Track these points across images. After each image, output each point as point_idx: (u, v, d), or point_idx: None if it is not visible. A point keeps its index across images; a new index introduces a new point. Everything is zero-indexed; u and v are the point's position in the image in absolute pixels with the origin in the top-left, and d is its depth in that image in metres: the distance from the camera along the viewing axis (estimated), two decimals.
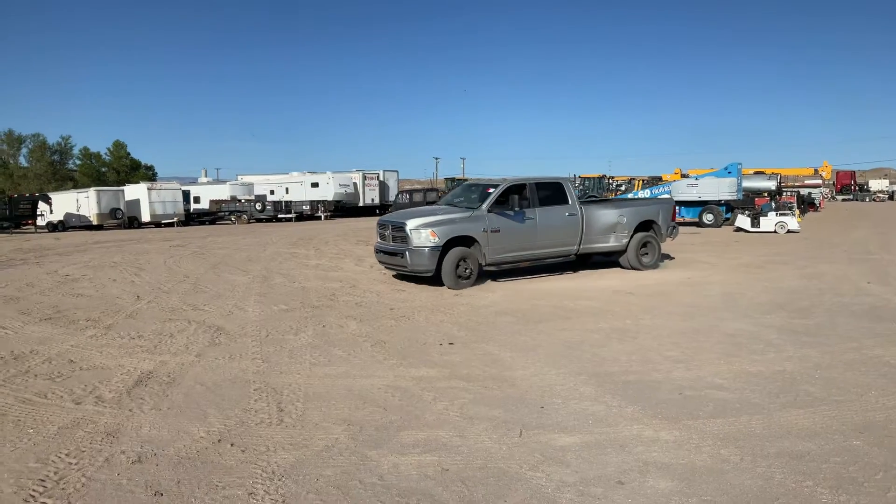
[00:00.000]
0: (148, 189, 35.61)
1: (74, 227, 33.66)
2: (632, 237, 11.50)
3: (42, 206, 34.70)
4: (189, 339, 6.45)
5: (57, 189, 43.20)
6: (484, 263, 10.19)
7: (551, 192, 11.03)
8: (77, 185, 49.05)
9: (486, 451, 3.57)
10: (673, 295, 8.78)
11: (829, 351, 5.71)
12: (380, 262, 11.12)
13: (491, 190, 10.59)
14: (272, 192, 44.23)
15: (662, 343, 6.03)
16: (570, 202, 11.06)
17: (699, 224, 23.44)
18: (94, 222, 33.60)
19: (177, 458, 3.56)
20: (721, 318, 7.13)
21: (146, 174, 59.25)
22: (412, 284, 10.15)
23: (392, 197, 42.96)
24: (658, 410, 4.19)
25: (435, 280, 9.75)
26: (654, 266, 11.65)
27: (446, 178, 49.12)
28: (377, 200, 47.33)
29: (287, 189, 44.75)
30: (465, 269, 9.87)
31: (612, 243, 11.42)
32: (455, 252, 9.82)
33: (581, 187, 39.40)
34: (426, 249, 9.74)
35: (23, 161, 54.18)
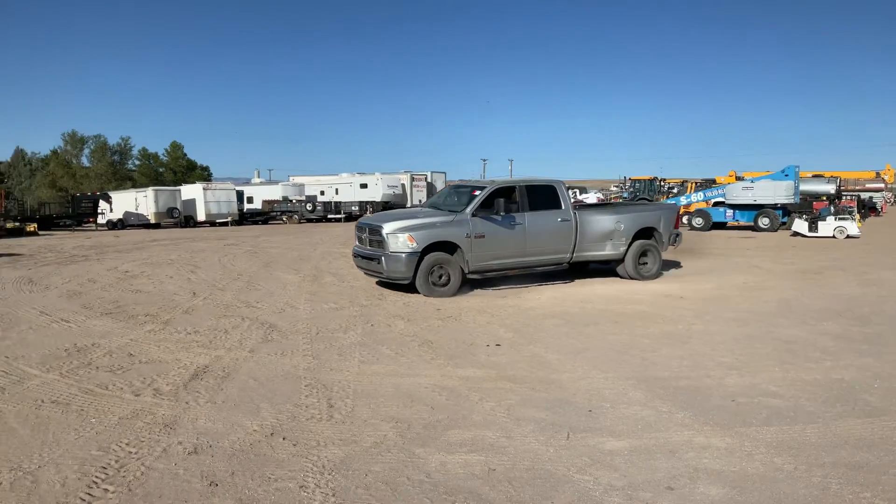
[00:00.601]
0: (203, 189, 36.69)
1: (133, 226, 34.91)
2: (630, 245, 10.72)
3: (103, 204, 36.09)
4: (243, 336, 6.63)
5: (116, 188, 44.83)
6: (467, 271, 9.63)
7: (543, 196, 10.38)
8: (136, 184, 50.81)
9: (532, 453, 3.57)
10: (727, 300, 8.59)
11: (890, 360, 5.51)
12: (357, 266, 10.51)
13: (477, 192, 9.99)
14: (322, 193, 44.92)
15: (715, 349, 5.91)
16: (563, 206, 10.35)
17: (754, 228, 22.79)
18: (152, 221, 34.80)
19: (231, 451, 3.68)
20: (776, 325, 6.94)
21: (202, 174, 60.93)
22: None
23: None
24: (710, 417, 4.12)
25: (412, 287, 9.31)
26: (654, 276, 10.82)
27: (493, 180, 49.02)
28: (424, 201, 47.55)
29: (337, 190, 45.39)
30: (440, 275, 9.35)
31: (608, 251, 10.65)
32: (430, 258, 9.32)
33: (631, 189, 38.78)
34: (403, 255, 9.23)
35: (85, 161, 56.36)
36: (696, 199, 25.91)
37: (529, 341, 6.29)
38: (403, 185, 46.12)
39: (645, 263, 10.86)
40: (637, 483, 3.18)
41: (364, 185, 44.78)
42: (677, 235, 11.50)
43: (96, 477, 3.33)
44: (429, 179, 48.63)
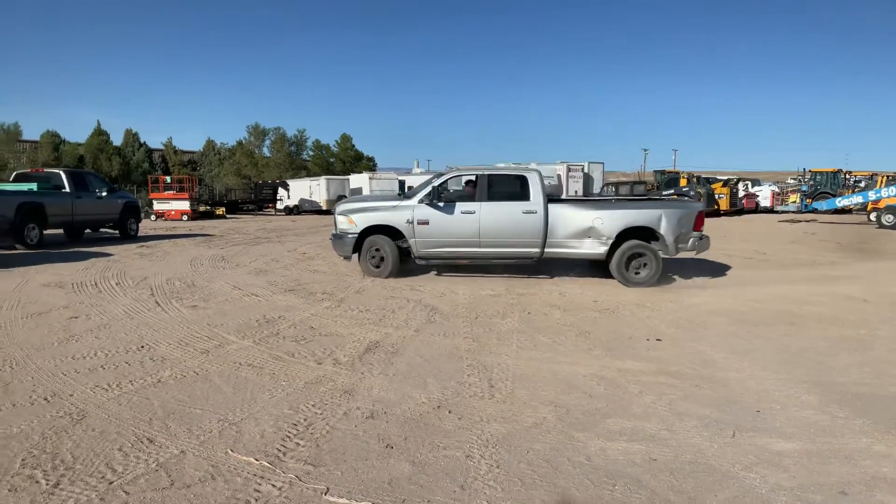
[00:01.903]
0: (369, 178, 38.87)
1: (307, 212, 37.82)
2: (614, 245, 9.55)
3: (281, 191, 39.38)
4: (408, 316, 7.06)
5: (293, 177, 48.47)
6: (414, 256, 9.92)
7: (508, 187, 9.93)
8: (309, 173, 54.68)
9: (695, 447, 3.54)
10: None
11: None
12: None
13: (436, 180, 10.04)
14: None
15: None
16: (531, 198, 9.74)
17: None
18: (324, 207, 37.47)
19: (403, 418, 3.99)
20: None
21: (367, 165, 64.22)
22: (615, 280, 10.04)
23: (596, 189, 42.25)
24: (893, 426, 3.82)
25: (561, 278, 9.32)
26: (648, 283, 9.38)
27: (655, 171, 47.08)
28: (580, 193, 46.79)
29: None
30: (373, 256, 9.94)
31: (584, 250, 9.66)
32: (369, 240, 9.94)
33: (811, 182, 35.60)
34: (346, 236, 9.99)
35: (266, 151, 61.41)
36: (888, 193, 23.27)
37: (693, 338, 6.11)
38: (559, 176, 45.63)
39: (637, 268, 9.51)
40: (807, 485, 3.06)
41: None
42: (700, 238, 9.65)
43: (288, 432, 3.77)
44: (585, 170, 47.73)
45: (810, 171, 37.48)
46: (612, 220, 9.57)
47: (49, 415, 4.02)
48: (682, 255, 9.67)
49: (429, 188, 9.96)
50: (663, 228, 9.46)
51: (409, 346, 5.75)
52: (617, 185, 31.61)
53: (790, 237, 18.89)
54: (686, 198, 27.81)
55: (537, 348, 5.76)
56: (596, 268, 10.38)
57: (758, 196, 38.31)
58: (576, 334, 6.28)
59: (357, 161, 63.69)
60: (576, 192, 46.31)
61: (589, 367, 5.16)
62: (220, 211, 34.51)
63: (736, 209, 33.95)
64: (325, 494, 2.99)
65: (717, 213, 31.45)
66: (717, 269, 11.20)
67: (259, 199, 40.10)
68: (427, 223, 9.86)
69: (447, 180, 10.15)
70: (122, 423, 3.89)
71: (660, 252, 9.46)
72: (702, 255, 12.95)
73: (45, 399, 4.31)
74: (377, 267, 10.03)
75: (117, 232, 18.11)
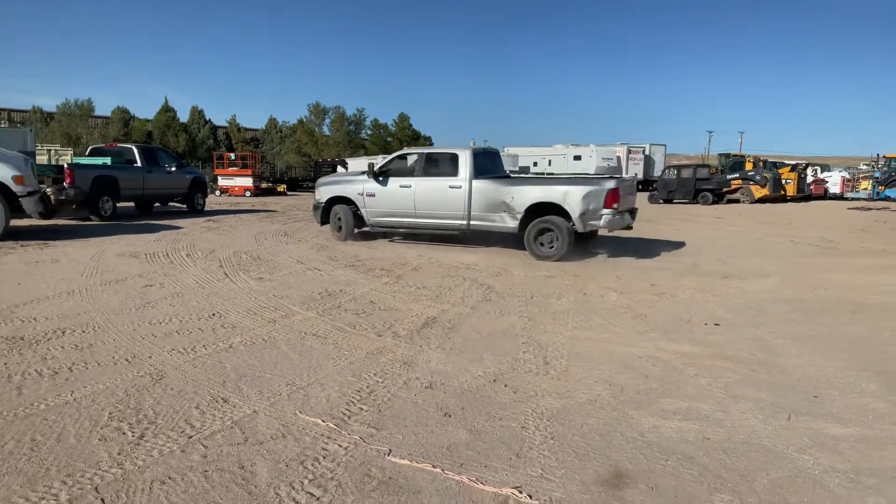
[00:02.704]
0: None
1: None
2: (524, 220, 10.21)
3: (340, 169, 39.90)
4: (464, 294, 7.20)
5: (351, 155, 49.11)
6: (366, 223, 11.88)
7: (443, 164, 10.99)
8: (367, 151, 55.26)
9: (749, 429, 3.57)
10: None
11: None
12: None
13: (385, 158, 12.16)
14: (535, 164, 45.28)
15: None
16: (458, 174, 10.72)
17: None
18: None
19: (460, 390, 4.14)
20: None
21: (425, 144, 64.39)
22: (678, 262, 9.94)
23: (657, 172, 41.41)
24: None
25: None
26: (554, 257, 9.90)
27: (720, 154, 45.75)
28: (641, 175, 45.94)
29: (550, 161, 45.45)
30: (337, 224, 12.01)
31: (500, 223, 10.54)
32: (334, 209, 12.04)
33: (885, 168, 33.97)
34: (319, 206, 12.27)
35: (325, 130, 62.25)
36: None
37: (752, 324, 6.05)
38: (619, 158, 44.90)
39: (543, 244, 10.11)
40: (862, 469, 3.07)
41: (578, 157, 44.33)
42: (613, 216, 9.87)
43: (352, 398, 3.97)
44: (647, 152, 46.80)
45: (884, 156, 35.73)
46: (521, 196, 10.33)
47: (131, 374, 4.33)
48: (601, 231, 10.66)
49: (378, 166, 11.77)
50: (568, 205, 9.92)
51: (465, 323, 5.90)
52: (679, 167, 30.89)
53: (859, 225, 18.18)
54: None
55: (592, 329, 5.82)
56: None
57: (827, 182, 36.80)
58: (631, 317, 6.29)
59: (415, 140, 63.92)
60: (635, 174, 45.49)
61: (645, 348, 5.20)
62: (282, 188, 35.35)
63: (803, 195, 32.75)
64: (388, 455, 3.16)
65: (783, 199, 30.43)
66: (778, 256, 10.94)
67: (319, 177, 40.82)
68: (374, 195, 11.59)
69: (393, 158, 11.88)
70: (197, 383, 4.16)
71: (571, 227, 9.97)
72: (761, 241, 12.66)
73: (127, 360, 4.64)
74: (339, 230, 12.02)
75: (185, 206, 18.84)
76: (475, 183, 10.66)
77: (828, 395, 4.14)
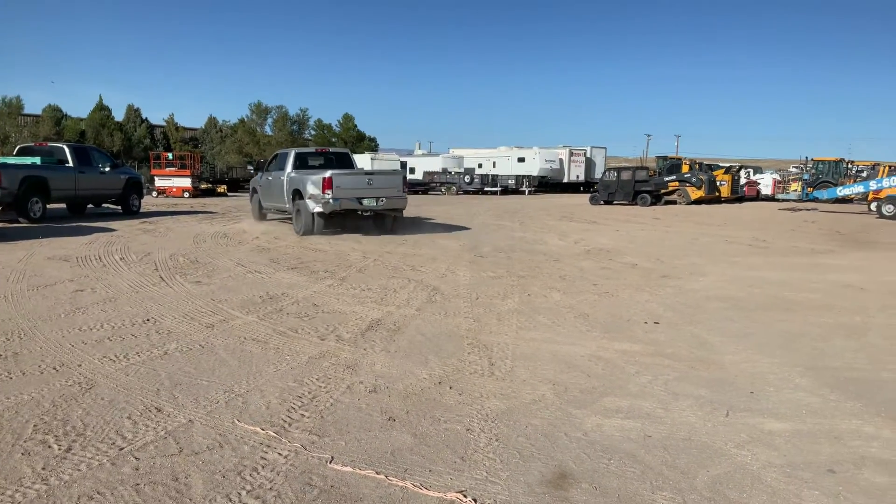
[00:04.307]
0: (371, 159, 38.80)
1: None
2: (294, 201, 13.44)
3: None
4: (409, 295, 7.14)
5: (273, 154, 48.32)
6: (263, 208, 15.85)
7: (281, 161, 14.49)
8: None
9: (689, 426, 3.63)
10: None
11: None
12: None
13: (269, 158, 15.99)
14: (480, 166, 45.59)
15: None
16: (283, 169, 14.06)
17: None
18: None
19: (405, 393, 4.09)
20: None
21: (370, 145, 63.97)
22: (617, 263, 10.13)
23: (598, 174, 42.25)
24: (882, 409, 3.92)
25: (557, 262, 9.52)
26: (299, 233, 12.96)
27: (657, 157, 47.00)
28: (582, 177, 46.81)
29: (494, 163, 45.85)
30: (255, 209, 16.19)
31: (285, 205, 14.04)
32: (254, 199, 16.29)
33: (813, 171, 35.56)
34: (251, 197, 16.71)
35: (268, 130, 61.07)
36: (889, 184, 23.29)
37: (690, 322, 6.20)
38: (561, 160, 45.63)
39: (298, 221, 13.19)
40: (797, 463, 3.16)
41: (521, 159, 44.86)
42: (329, 200, 12.44)
43: (293, 404, 3.87)
44: (588, 154, 47.69)
45: (812, 159, 37.43)
46: (289, 184, 13.74)
47: (59, 384, 4.11)
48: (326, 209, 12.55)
49: (266, 163, 15.83)
50: (305, 190, 12.71)
51: (410, 325, 5.84)
52: (619, 170, 31.58)
53: (790, 225, 18.96)
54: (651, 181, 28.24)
55: (537, 329, 5.85)
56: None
57: (759, 184, 38.28)
58: (574, 316, 6.36)
59: (359, 141, 63.39)
60: (577, 176, 46.33)
61: (587, 347, 5.25)
62: (222, 189, 34.54)
63: (737, 196, 33.96)
64: (330, 463, 3.08)
65: (718, 200, 31.49)
66: (713, 256, 11.28)
67: None
68: (261, 186, 15.63)
69: (272, 157, 15.52)
70: (130, 392, 3.98)
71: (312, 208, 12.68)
72: (697, 241, 13.05)
73: (54, 368, 4.41)
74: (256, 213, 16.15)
75: (120, 207, 18.18)
76: (291, 174, 13.69)
77: (763, 390, 4.26)
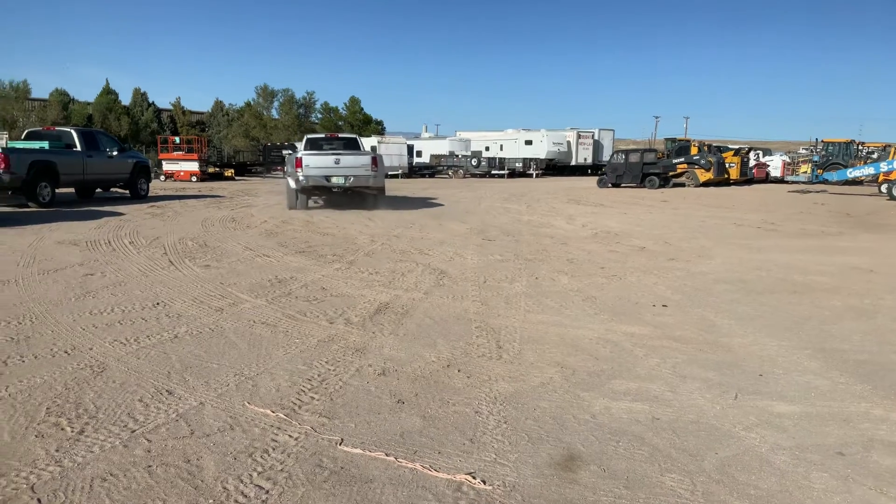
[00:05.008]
0: (378, 142, 38.64)
1: None
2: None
3: (290, 154, 39.23)
4: (418, 279, 7.16)
5: (301, 139, 48.30)
6: None
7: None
8: None
9: (698, 408, 3.64)
10: None
11: None
12: None
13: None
14: (487, 149, 45.39)
15: None
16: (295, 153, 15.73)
17: None
18: None
19: (413, 376, 4.11)
20: None
21: (376, 128, 63.79)
22: (625, 246, 10.10)
23: (606, 156, 42.02)
24: (892, 391, 3.91)
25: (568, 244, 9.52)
26: (287, 208, 15.07)
27: (666, 139, 46.68)
28: (590, 160, 46.56)
29: (501, 146, 45.64)
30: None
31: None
32: None
33: (824, 153, 35.24)
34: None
35: (274, 113, 61.00)
36: None
37: (698, 305, 6.19)
38: (569, 143, 45.38)
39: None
40: (806, 445, 3.16)
41: (529, 142, 44.62)
42: (301, 176, 14.34)
43: (303, 386, 3.89)
44: (596, 137, 47.41)
45: (823, 141, 37.06)
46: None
47: (70, 367, 4.15)
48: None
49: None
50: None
51: (418, 308, 5.86)
52: (627, 152, 31.39)
53: (799, 207, 18.83)
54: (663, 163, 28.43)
55: (545, 312, 5.86)
56: None
57: (768, 166, 38.01)
58: (582, 299, 6.36)
59: (366, 124, 63.26)
60: (585, 158, 46.08)
61: (595, 330, 5.25)
62: (229, 173, 34.53)
63: (746, 178, 33.73)
64: (340, 445, 3.11)
65: (727, 183, 31.28)
66: (722, 238, 11.24)
67: (268, 162, 40.06)
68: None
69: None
70: (141, 375, 4.02)
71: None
72: (705, 224, 12.97)
73: (66, 352, 4.45)
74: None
75: (128, 192, 18.22)
76: (293, 157, 15.21)
77: (772, 373, 4.26)
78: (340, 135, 17.72)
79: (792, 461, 3.00)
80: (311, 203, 15.85)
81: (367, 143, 39.41)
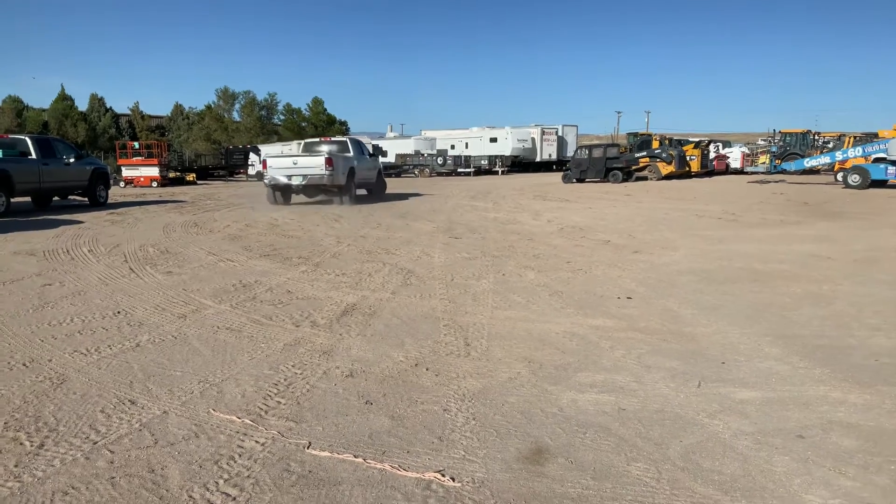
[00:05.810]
0: (375, 143, 38.32)
1: None
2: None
3: (252, 157, 38.72)
4: (385, 279, 7.13)
5: (264, 142, 47.75)
6: None
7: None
8: (281, 138, 53.84)
9: (662, 397, 3.70)
10: (879, 262, 8.02)
11: None
12: None
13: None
14: (453, 147, 45.40)
15: (862, 310, 5.64)
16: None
17: None
18: None
19: (381, 376, 4.09)
20: None
21: (340, 129, 63.35)
22: (590, 240, 10.21)
23: (570, 152, 42.41)
24: (849, 374, 4.02)
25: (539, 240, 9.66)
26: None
27: (628, 133, 47.28)
28: (555, 156, 46.92)
29: (467, 144, 45.70)
30: None
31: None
32: None
33: (781, 143, 36.07)
34: None
35: (236, 116, 60.18)
36: (854, 154, 23.78)
37: (662, 296, 6.28)
38: (533, 139, 45.67)
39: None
40: (767, 430, 3.23)
41: (494, 140, 44.77)
42: (268, 175, 16.71)
43: (269, 391, 3.85)
44: (559, 133, 47.79)
45: (780, 132, 37.95)
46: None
47: (29, 379, 4.04)
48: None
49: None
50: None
51: (385, 308, 5.83)
52: (590, 147, 31.72)
53: (759, 197, 19.24)
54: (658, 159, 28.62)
55: (512, 308, 5.90)
56: None
57: (728, 157, 38.75)
58: (549, 294, 6.40)
59: (329, 125, 62.78)
60: (550, 155, 46.44)
61: (562, 324, 5.29)
62: (191, 177, 34.00)
63: (707, 171, 34.37)
64: (308, 448, 3.08)
65: (688, 175, 31.83)
66: (684, 230, 11.43)
67: (230, 165, 39.53)
68: None
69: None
70: (102, 386, 3.93)
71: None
72: (668, 216, 13.19)
73: (24, 364, 4.33)
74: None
75: (86, 199, 17.82)
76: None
77: (734, 360, 4.35)
78: (333, 138, 21.66)
79: (754, 446, 3.07)
80: (293, 199, 17.67)
81: (370, 144, 39.27)
